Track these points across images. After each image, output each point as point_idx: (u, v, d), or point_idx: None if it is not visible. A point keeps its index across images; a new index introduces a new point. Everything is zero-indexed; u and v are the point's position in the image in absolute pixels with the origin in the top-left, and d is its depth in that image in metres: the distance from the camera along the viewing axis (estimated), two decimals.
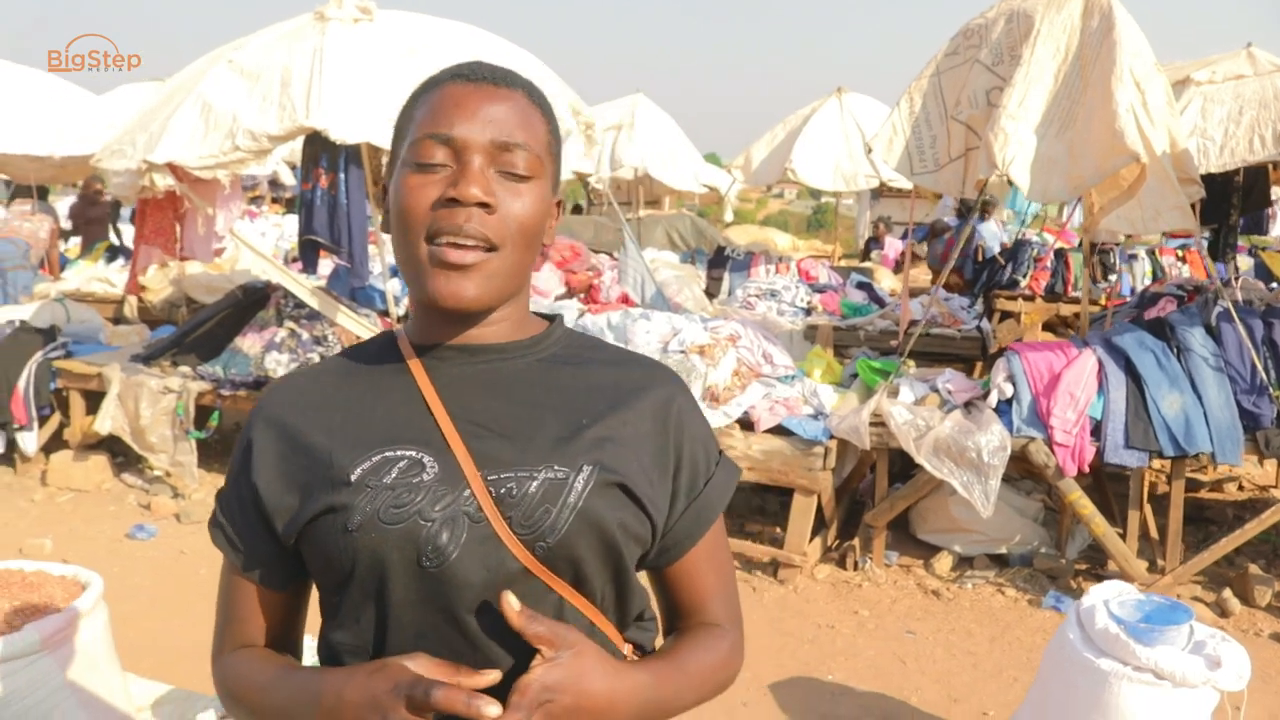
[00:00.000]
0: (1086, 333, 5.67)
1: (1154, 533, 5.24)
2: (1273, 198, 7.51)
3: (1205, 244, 7.06)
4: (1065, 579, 4.99)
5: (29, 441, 6.48)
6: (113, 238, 11.62)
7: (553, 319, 1.31)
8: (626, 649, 1.23)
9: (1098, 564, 5.13)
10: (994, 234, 11.57)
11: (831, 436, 5.03)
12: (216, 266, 8.49)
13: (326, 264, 7.55)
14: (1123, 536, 4.89)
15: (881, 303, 8.42)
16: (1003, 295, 9.39)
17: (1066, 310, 8.85)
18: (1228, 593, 4.79)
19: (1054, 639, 3.22)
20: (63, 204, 14.16)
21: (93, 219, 11.72)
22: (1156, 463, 5.14)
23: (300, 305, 6.39)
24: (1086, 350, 4.90)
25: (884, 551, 5.21)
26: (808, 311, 8.13)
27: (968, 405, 4.98)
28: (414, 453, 1.13)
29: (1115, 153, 4.37)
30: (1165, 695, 2.84)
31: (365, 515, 1.10)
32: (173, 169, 5.73)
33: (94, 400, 6.37)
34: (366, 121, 5.35)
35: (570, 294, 8.14)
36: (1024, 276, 9.56)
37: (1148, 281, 9.61)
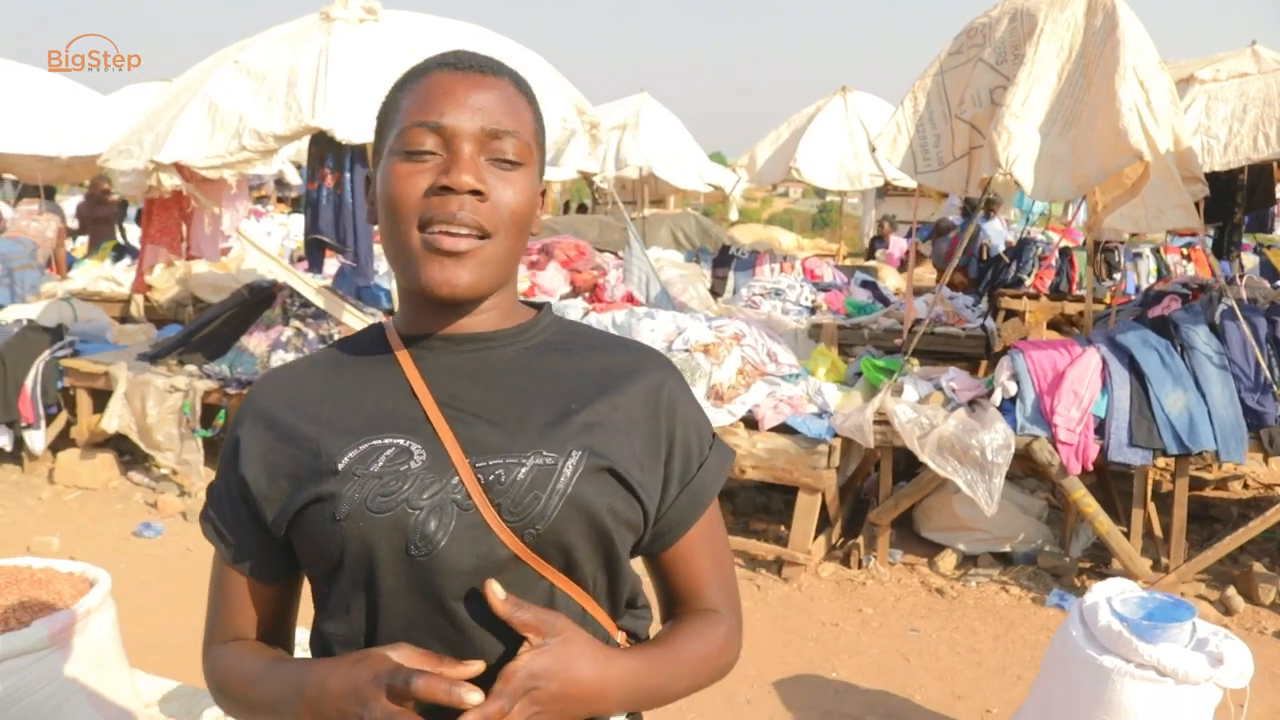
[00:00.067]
0: (1090, 331, 5.67)
1: (1158, 531, 5.24)
2: (1277, 195, 7.49)
3: (1209, 242, 7.06)
4: (1069, 577, 5.00)
5: (36, 440, 6.51)
6: (119, 237, 11.66)
7: (541, 307, 1.31)
8: (620, 636, 1.22)
9: (1102, 562, 5.13)
10: (999, 232, 11.56)
11: (836, 435, 5.04)
12: (223, 266, 8.51)
13: (332, 263, 7.57)
14: (1127, 535, 4.90)
15: (886, 301, 8.43)
16: (1007, 294, 9.39)
17: (1071, 309, 8.84)
18: (1232, 591, 4.79)
19: (1057, 636, 3.23)
20: (69, 203, 14.20)
21: (100, 218, 11.74)
22: (1161, 461, 5.14)
23: (306, 304, 6.41)
24: (1090, 349, 4.90)
25: (888, 549, 5.22)
26: (812, 310, 8.15)
27: (972, 404, 4.99)
28: (401, 441, 1.13)
29: (1119, 151, 4.38)
30: (1168, 692, 2.85)
31: (353, 504, 1.09)
32: (179, 169, 5.76)
33: (101, 399, 6.40)
34: (372, 121, 5.34)
35: (575, 293, 8.15)
36: (1029, 275, 9.55)
37: (1152, 280, 9.59)
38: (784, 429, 5.10)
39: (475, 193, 1.10)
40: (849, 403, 5.26)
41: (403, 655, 1.05)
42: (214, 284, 8.07)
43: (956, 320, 7.44)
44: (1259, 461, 6.30)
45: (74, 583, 3.02)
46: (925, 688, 4.04)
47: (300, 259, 9.11)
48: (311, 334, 6.30)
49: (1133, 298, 7.80)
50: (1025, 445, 4.76)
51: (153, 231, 7.30)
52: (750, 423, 5.17)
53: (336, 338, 6.19)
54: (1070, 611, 3.24)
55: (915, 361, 5.64)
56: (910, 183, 6.33)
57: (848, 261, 13.77)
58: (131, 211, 12.36)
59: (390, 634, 1.11)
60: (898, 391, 5.16)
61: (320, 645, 1.19)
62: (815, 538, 5.13)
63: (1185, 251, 10.66)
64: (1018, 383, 4.89)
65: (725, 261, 9.87)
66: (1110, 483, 5.58)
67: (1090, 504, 4.77)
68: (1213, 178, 5.54)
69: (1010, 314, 9.05)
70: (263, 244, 7.93)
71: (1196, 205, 4.95)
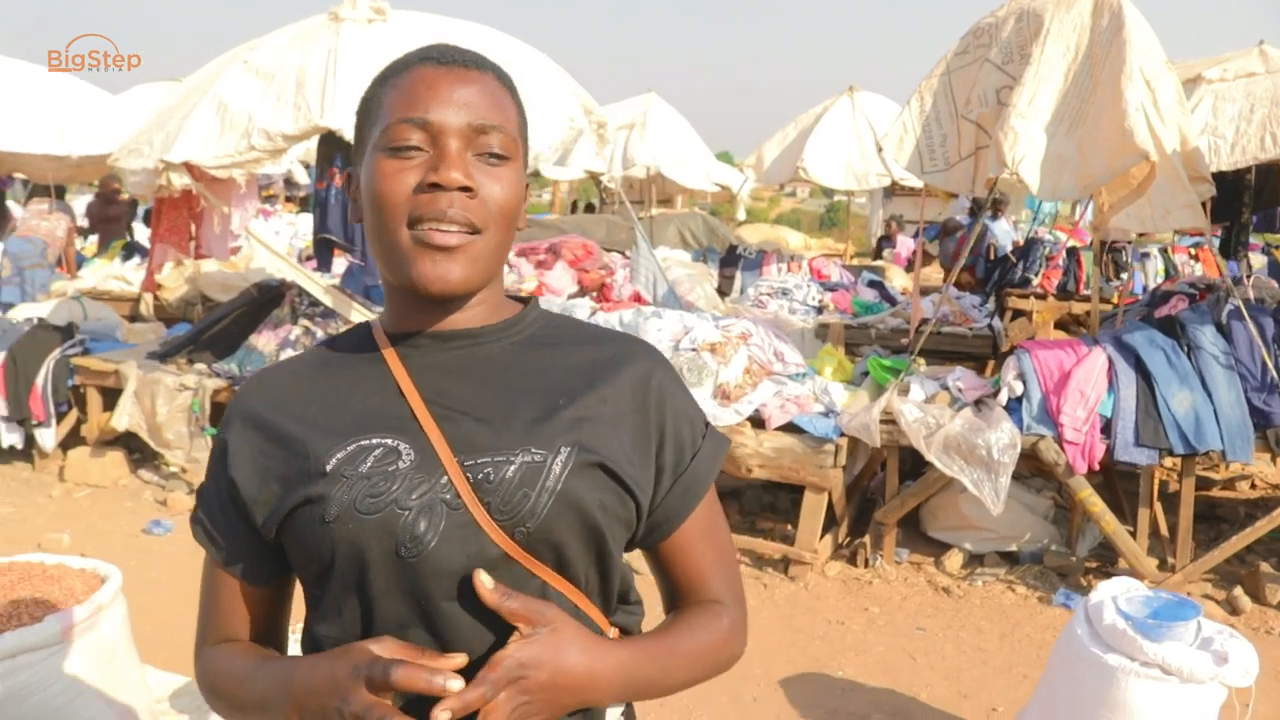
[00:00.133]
0: (1097, 331, 5.68)
1: (1164, 531, 5.24)
2: None
3: (1216, 242, 7.06)
4: (1075, 576, 5.00)
5: (47, 438, 6.54)
6: (128, 236, 11.70)
7: (528, 301, 1.29)
8: (612, 632, 1.21)
9: (1108, 562, 5.14)
10: (1006, 232, 11.57)
11: (842, 434, 5.05)
12: (231, 265, 8.54)
13: (340, 262, 7.61)
14: (1133, 534, 4.90)
15: (893, 301, 8.43)
16: (1014, 293, 9.38)
17: (1078, 309, 8.83)
18: (1239, 590, 4.79)
19: (1062, 635, 3.24)
20: (79, 203, 14.26)
21: (110, 217, 11.79)
22: (1168, 461, 5.15)
23: (315, 303, 6.44)
24: (1096, 348, 4.91)
25: (894, 549, 5.23)
26: (819, 310, 8.15)
27: (978, 403, 4.99)
28: (390, 440, 1.12)
29: (1125, 151, 4.39)
30: (1172, 691, 2.86)
31: (342, 506, 1.08)
32: (189, 168, 5.79)
33: (111, 397, 6.43)
34: None
35: (583, 292, 8.17)
36: (1036, 275, 9.55)
37: (1160, 280, 9.59)
38: (791, 428, 5.11)
39: (464, 189, 1.10)
40: (856, 402, 5.27)
41: (384, 648, 1.04)
42: (223, 283, 8.11)
43: (963, 320, 7.43)
44: (1266, 461, 6.30)
45: (85, 579, 3.05)
46: (931, 686, 4.05)
47: (308, 258, 9.14)
48: (320, 333, 6.32)
49: (1140, 297, 7.80)
50: (1031, 445, 4.76)
51: (162, 231, 7.33)
52: (757, 422, 5.18)
53: None
54: (1076, 610, 3.25)
55: (922, 361, 5.65)
56: (917, 182, 6.34)
57: (855, 261, 13.79)
58: (140, 211, 12.41)
59: (382, 636, 1.10)
60: (904, 391, 5.17)
61: (312, 647, 1.18)
62: (822, 537, 5.15)
63: (1193, 251, 10.65)
64: (1024, 382, 4.89)
65: (732, 261, 9.88)
66: (1116, 482, 5.59)
67: (1096, 503, 4.77)
68: (1220, 178, 5.54)
69: (1017, 314, 9.04)
70: (271, 243, 7.96)
71: (1203, 205, 4.95)
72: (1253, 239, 9.71)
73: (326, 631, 1.14)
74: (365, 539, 1.08)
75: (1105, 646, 2.99)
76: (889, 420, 4.96)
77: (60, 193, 11.19)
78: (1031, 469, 5.46)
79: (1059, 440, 4.74)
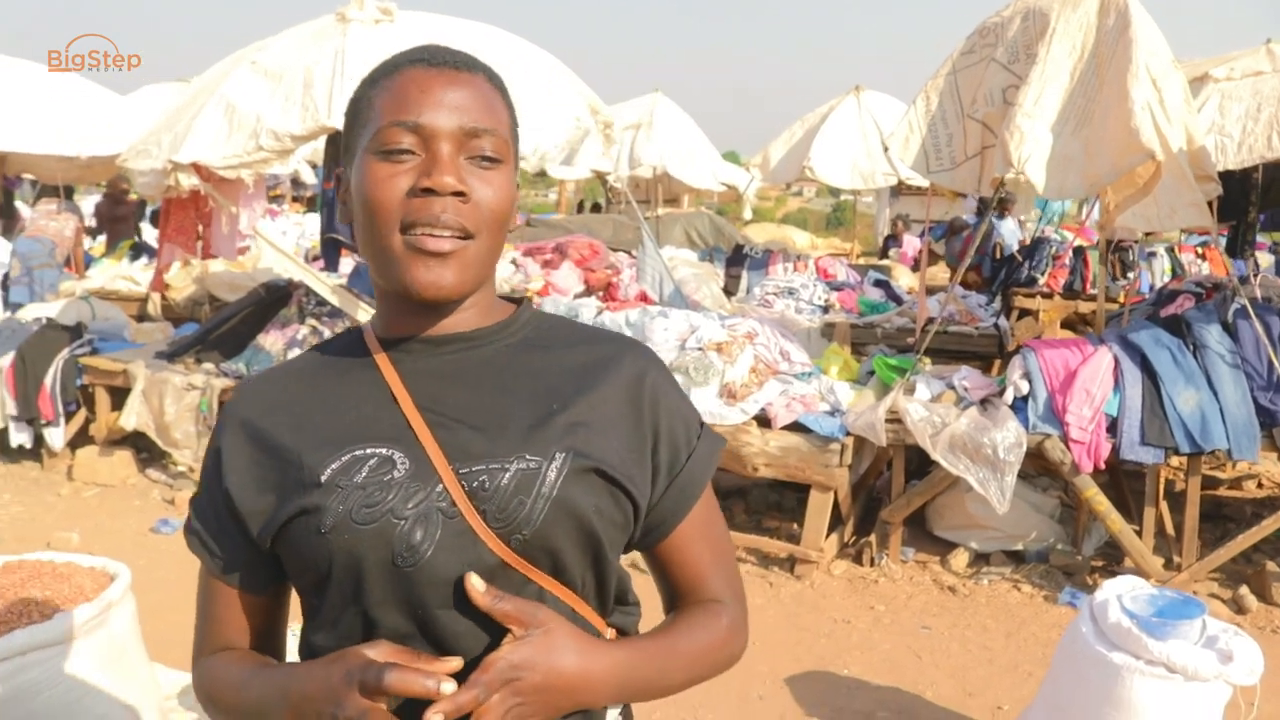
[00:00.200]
0: (1103, 330, 5.67)
1: (1170, 530, 5.25)
2: None
3: (1223, 241, 7.05)
4: (1081, 575, 5.00)
5: (56, 437, 6.57)
6: (136, 236, 11.74)
7: (520, 301, 1.29)
8: (609, 633, 1.20)
9: (1114, 560, 5.14)
10: (1012, 231, 11.56)
11: (848, 433, 5.06)
12: (239, 265, 8.57)
13: (348, 262, 7.63)
14: (1139, 533, 4.90)
15: (899, 300, 8.43)
16: (1021, 293, 9.38)
17: (1085, 308, 8.82)
18: (1245, 589, 4.79)
19: (1067, 633, 3.24)
20: (87, 203, 14.31)
21: (118, 218, 11.82)
22: (1174, 460, 5.15)
23: (322, 303, 6.46)
24: (1102, 347, 4.91)
25: (900, 547, 5.24)
26: (825, 309, 8.16)
27: (984, 402, 5.00)
28: (384, 450, 1.11)
29: (1131, 150, 4.39)
30: (1177, 689, 2.86)
31: (337, 517, 1.08)
32: (197, 169, 5.81)
33: (119, 396, 6.46)
34: None
35: (589, 292, 8.19)
36: (1042, 274, 9.54)
37: (1167, 279, 9.58)
38: (797, 427, 5.12)
39: (458, 194, 1.09)
40: (861, 401, 5.28)
41: (379, 652, 1.04)
42: (230, 283, 8.13)
43: (969, 319, 7.44)
44: (1273, 460, 6.28)
45: (95, 577, 3.07)
46: (937, 685, 4.06)
47: (316, 258, 9.18)
48: (327, 332, 6.34)
49: (1146, 296, 7.79)
50: (1037, 444, 4.77)
51: (169, 231, 7.37)
52: (763, 421, 5.19)
53: None
54: (1081, 608, 3.26)
55: (928, 360, 5.66)
56: (924, 182, 6.33)
57: (861, 260, 13.77)
58: (148, 211, 12.46)
59: (377, 641, 1.09)
60: (910, 390, 5.18)
61: (309, 656, 1.17)
62: (828, 535, 5.15)
63: (1200, 250, 10.63)
64: (1030, 381, 4.90)
65: (739, 260, 9.89)
66: (1123, 481, 5.59)
67: (1102, 502, 4.78)
68: (1227, 176, 5.53)
69: (1024, 313, 9.04)
70: (278, 243, 7.98)
71: (1210, 204, 4.95)
72: (1260, 238, 9.70)
73: (323, 641, 1.14)
74: (361, 549, 1.07)
75: (1110, 645, 3.00)
76: (895, 419, 4.97)
77: (69, 193, 11.24)
78: (1037, 468, 5.46)
79: (1065, 439, 4.74)
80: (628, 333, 5.73)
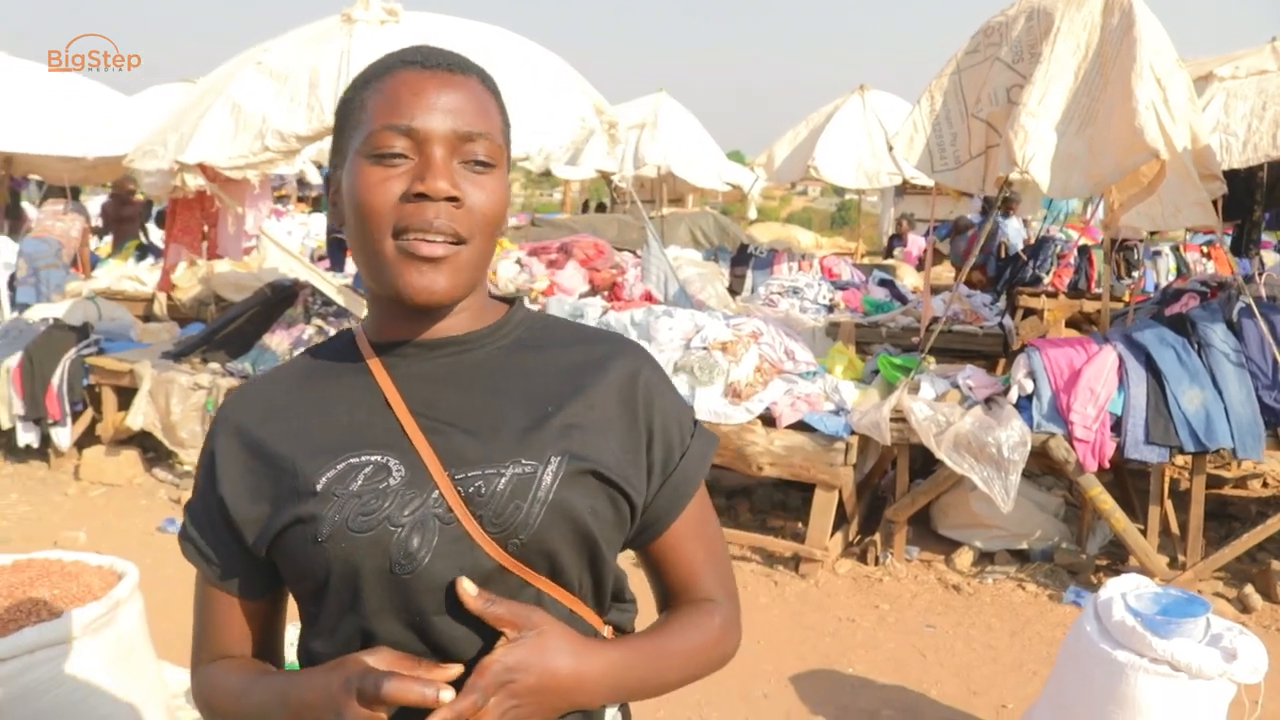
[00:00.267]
0: (1108, 329, 5.68)
1: (1175, 528, 5.24)
2: None
3: (1228, 240, 7.04)
4: (1086, 574, 5.01)
5: (62, 437, 6.60)
6: (142, 237, 11.77)
7: (512, 302, 1.28)
8: (606, 631, 1.21)
9: (1119, 559, 5.14)
10: (1017, 231, 11.55)
11: (853, 432, 5.06)
12: (244, 265, 8.60)
13: (353, 262, 7.64)
14: (1143, 532, 4.90)
15: (904, 300, 8.44)
16: (1026, 292, 9.38)
17: (1090, 307, 8.82)
18: (1250, 588, 4.79)
19: (1071, 631, 3.25)
20: (93, 203, 14.34)
21: (124, 218, 11.86)
22: (1179, 459, 5.14)
23: (328, 303, 6.48)
24: (1107, 346, 4.91)
25: (905, 546, 5.24)
26: (830, 308, 8.17)
27: (988, 401, 5.00)
28: (379, 457, 1.11)
29: (1135, 149, 4.39)
30: (1181, 687, 2.86)
31: (334, 525, 1.08)
32: (203, 169, 5.83)
33: (125, 396, 6.48)
34: None
35: (594, 292, 8.19)
36: (1047, 273, 9.53)
37: (1172, 278, 9.57)
38: (801, 426, 5.13)
39: (451, 199, 1.08)
40: (866, 400, 5.28)
41: (379, 659, 1.04)
42: (236, 283, 8.16)
43: (974, 318, 7.44)
44: (1278, 459, 6.29)
45: (103, 575, 3.08)
46: (941, 683, 4.06)
47: (321, 258, 9.20)
48: (333, 332, 6.36)
49: (1151, 295, 7.79)
50: (1042, 443, 4.77)
51: (176, 231, 7.38)
52: (768, 420, 5.20)
53: None
54: (1085, 607, 3.26)
55: (932, 359, 5.66)
56: (929, 181, 6.34)
57: (866, 260, 13.79)
58: (153, 211, 12.48)
59: (376, 647, 1.09)
60: (915, 389, 5.18)
61: (308, 662, 1.17)
62: (832, 534, 5.16)
63: (1205, 249, 10.62)
64: (1034, 380, 4.90)
65: (743, 260, 9.90)
66: (1127, 480, 5.59)
67: (1107, 501, 4.78)
68: (1232, 175, 5.53)
69: (1028, 312, 9.04)
70: (284, 243, 8.01)
71: (1215, 203, 4.94)
72: (1265, 236, 9.69)
73: (322, 648, 1.14)
74: (359, 557, 1.07)
75: (1114, 643, 3.00)
76: (899, 418, 4.98)
77: (75, 193, 11.26)
78: (1042, 467, 5.46)
79: (1069, 438, 4.74)
80: (633, 333, 5.75)
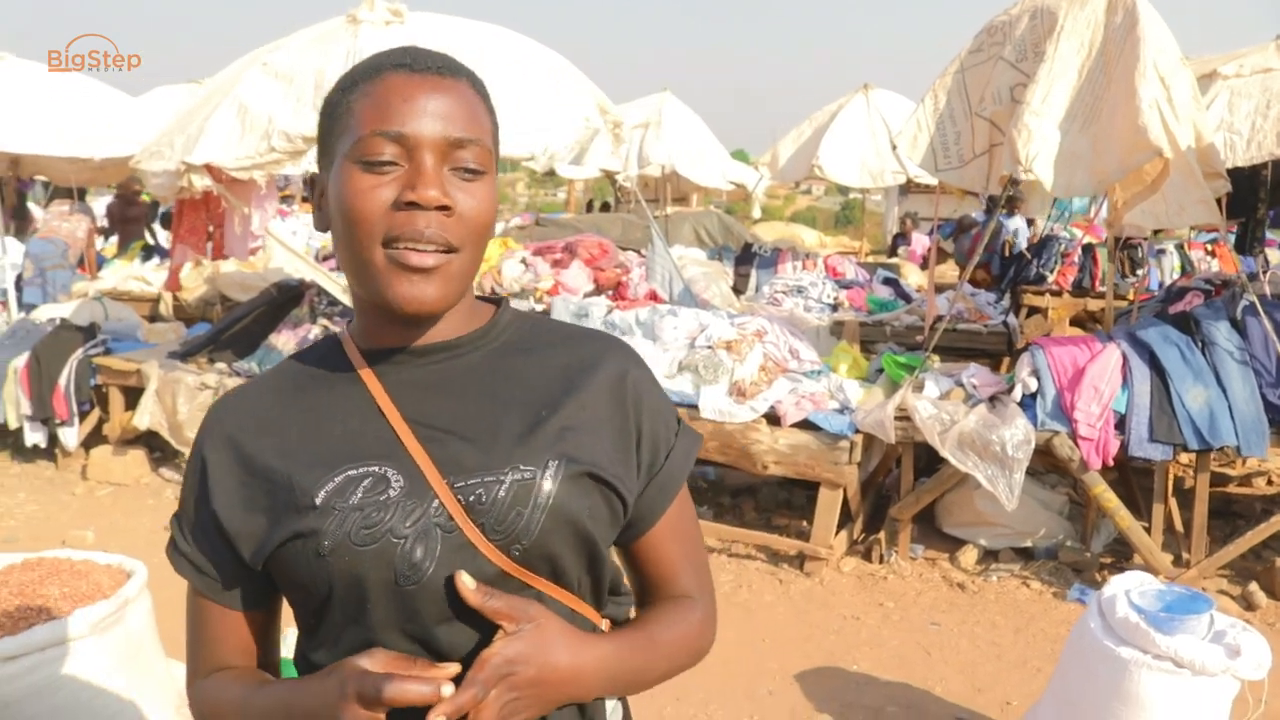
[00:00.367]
0: (1112, 327, 5.68)
1: (1179, 526, 5.25)
2: None
3: (1232, 238, 7.04)
4: (1090, 572, 5.01)
5: (70, 436, 6.63)
6: (148, 237, 11.80)
7: (499, 303, 1.28)
8: (604, 625, 1.22)
9: (1123, 557, 5.15)
10: (1021, 229, 11.54)
11: (857, 431, 5.07)
12: (250, 265, 8.62)
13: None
14: (1148, 530, 4.91)
15: (908, 298, 8.44)
16: (1030, 290, 9.37)
17: (1094, 305, 8.81)
18: (1254, 586, 4.79)
19: (1075, 628, 3.26)
20: (99, 204, 14.37)
21: (130, 219, 11.89)
22: (1183, 457, 5.15)
23: (334, 303, 6.50)
24: (1111, 344, 4.92)
25: (909, 544, 5.25)
26: (834, 307, 8.17)
27: (992, 400, 5.01)
28: (376, 468, 1.10)
29: (1138, 148, 4.40)
30: (1185, 683, 2.88)
31: (336, 539, 1.07)
32: (210, 170, 5.85)
33: (132, 396, 6.51)
34: None
35: (598, 291, 8.19)
36: (1051, 272, 9.52)
37: (1176, 276, 9.56)
38: (806, 425, 5.14)
39: (442, 208, 1.07)
40: (870, 399, 5.29)
41: (374, 661, 1.04)
42: (241, 283, 8.18)
43: (978, 317, 7.44)
44: None
45: (112, 574, 3.11)
46: (945, 680, 4.08)
47: (327, 258, 9.21)
48: (339, 331, 6.38)
49: (1155, 294, 7.78)
50: (1046, 441, 4.78)
51: (182, 232, 7.41)
52: (772, 419, 5.21)
53: None
54: (1089, 604, 3.27)
55: (937, 358, 5.67)
56: (933, 180, 6.34)
57: (870, 259, 13.77)
58: (158, 212, 12.51)
59: (372, 649, 1.09)
60: (919, 388, 5.19)
61: (307, 671, 1.17)
62: (837, 533, 5.17)
63: (1209, 247, 10.61)
64: (1038, 379, 4.91)
65: (748, 259, 9.89)
66: (1131, 478, 5.60)
67: (1111, 499, 4.78)
68: (1236, 173, 5.54)
69: (1032, 310, 9.03)
70: (290, 243, 8.03)
71: (1219, 201, 4.95)
72: (1269, 234, 9.67)
73: (324, 660, 1.13)
74: (363, 570, 1.07)
75: (1118, 639, 3.02)
76: (904, 417, 4.99)
77: (82, 194, 11.29)
78: (1046, 465, 5.47)
79: (1073, 436, 4.75)
80: (638, 331, 5.76)
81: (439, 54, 1.15)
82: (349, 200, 1.08)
